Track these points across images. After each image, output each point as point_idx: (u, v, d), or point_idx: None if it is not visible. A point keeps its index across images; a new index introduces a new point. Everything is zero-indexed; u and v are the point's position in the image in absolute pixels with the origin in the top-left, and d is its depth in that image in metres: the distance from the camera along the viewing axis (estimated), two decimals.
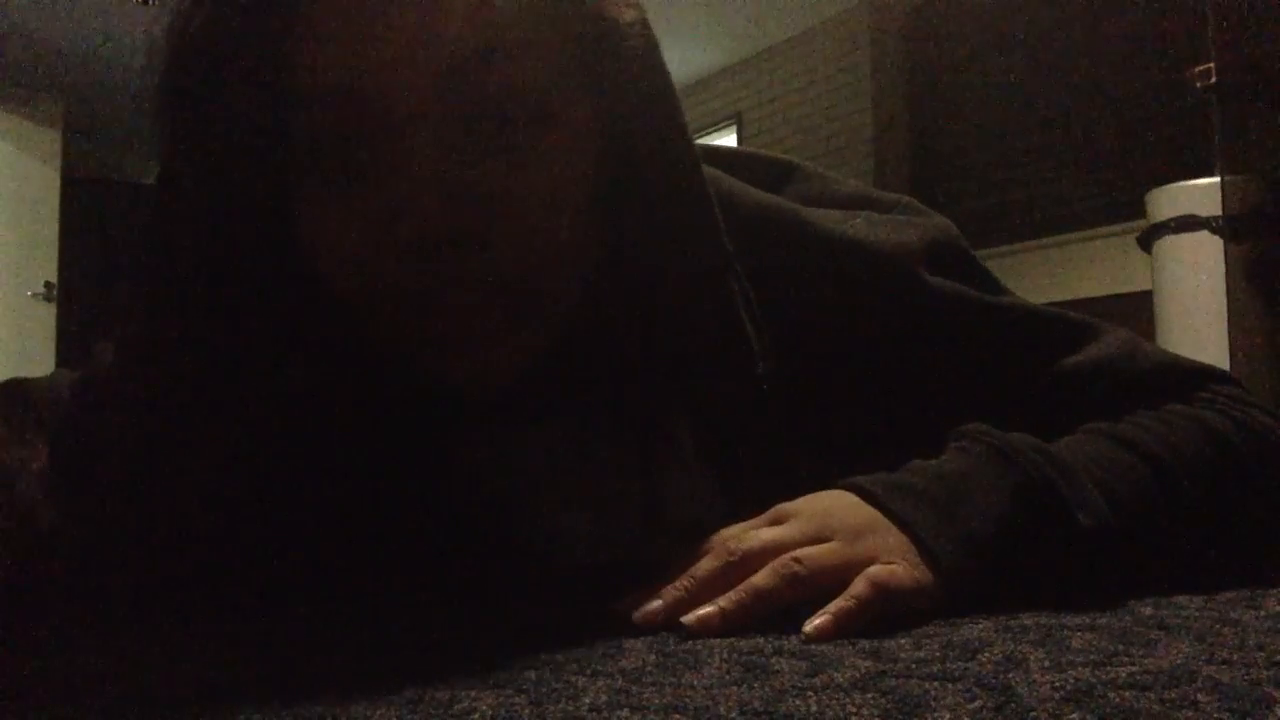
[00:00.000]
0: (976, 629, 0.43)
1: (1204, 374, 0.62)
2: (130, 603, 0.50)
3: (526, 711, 0.32)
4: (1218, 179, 3.42)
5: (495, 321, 0.49)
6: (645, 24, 0.52)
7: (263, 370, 0.50)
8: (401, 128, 0.47)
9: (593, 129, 0.51)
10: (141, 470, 0.50)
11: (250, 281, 0.49)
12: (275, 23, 0.46)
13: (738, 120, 5.92)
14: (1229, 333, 3.37)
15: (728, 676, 0.36)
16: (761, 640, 0.42)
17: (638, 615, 0.45)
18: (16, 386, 0.66)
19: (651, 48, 0.52)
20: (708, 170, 0.58)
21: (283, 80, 0.47)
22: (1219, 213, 3.40)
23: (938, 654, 0.38)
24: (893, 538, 0.46)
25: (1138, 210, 3.79)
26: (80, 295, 6.16)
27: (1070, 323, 0.61)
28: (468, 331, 0.49)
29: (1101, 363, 0.59)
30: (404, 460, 0.55)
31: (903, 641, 0.41)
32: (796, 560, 0.44)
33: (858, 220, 0.58)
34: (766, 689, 0.34)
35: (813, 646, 0.40)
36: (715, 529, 0.49)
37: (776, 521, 0.48)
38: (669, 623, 0.44)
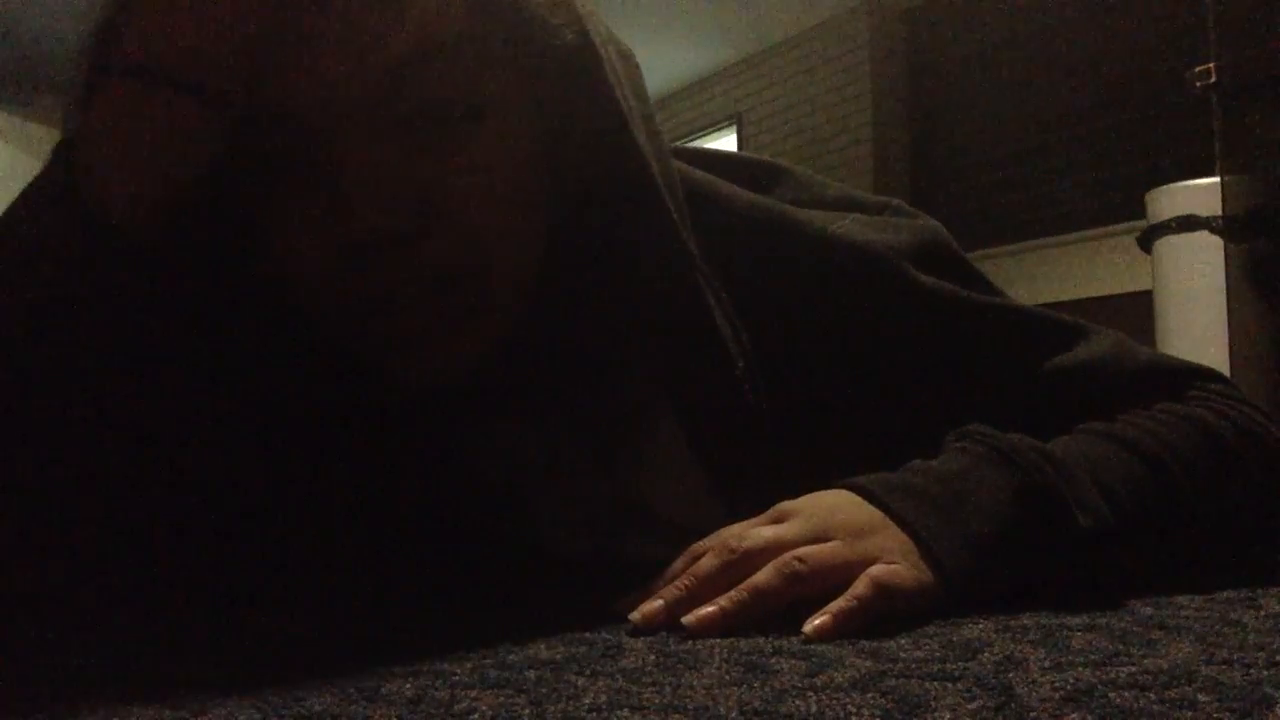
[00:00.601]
0: (976, 629, 0.43)
1: (1194, 373, 0.62)
2: (127, 604, 0.50)
3: (526, 711, 0.32)
4: (1218, 179, 3.42)
5: (445, 316, 0.50)
6: (577, 19, 0.52)
7: (234, 372, 0.50)
8: (332, 131, 0.47)
9: (526, 125, 0.51)
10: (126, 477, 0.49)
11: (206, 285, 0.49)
12: (200, 28, 0.44)
13: (738, 120, 5.92)
14: (1229, 333, 3.37)
15: (728, 676, 0.36)
16: (761, 640, 0.42)
17: (637, 615, 0.45)
18: None
19: (584, 43, 0.52)
20: (697, 173, 0.58)
21: (218, 90, 0.46)
22: (1219, 213, 3.40)
23: (938, 654, 0.38)
24: (894, 537, 0.46)
25: (1138, 210, 3.78)
26: None
27: (1060, 323, 0.61)
28: (418, 328, 0.50)
29: (1092, 362, 0.59)
30: (375, 457, 0.55)
31: (903, 641, 0.41)
32: (798, 559, 0.44)
33: (846, 221, 0.58)
34: (766, 689, 0.34)
35: (813, 646, 0.40)
36: (709, 529, 0.49)
37: (777, 520, 0.48)
38: (669, 622, 0.44)
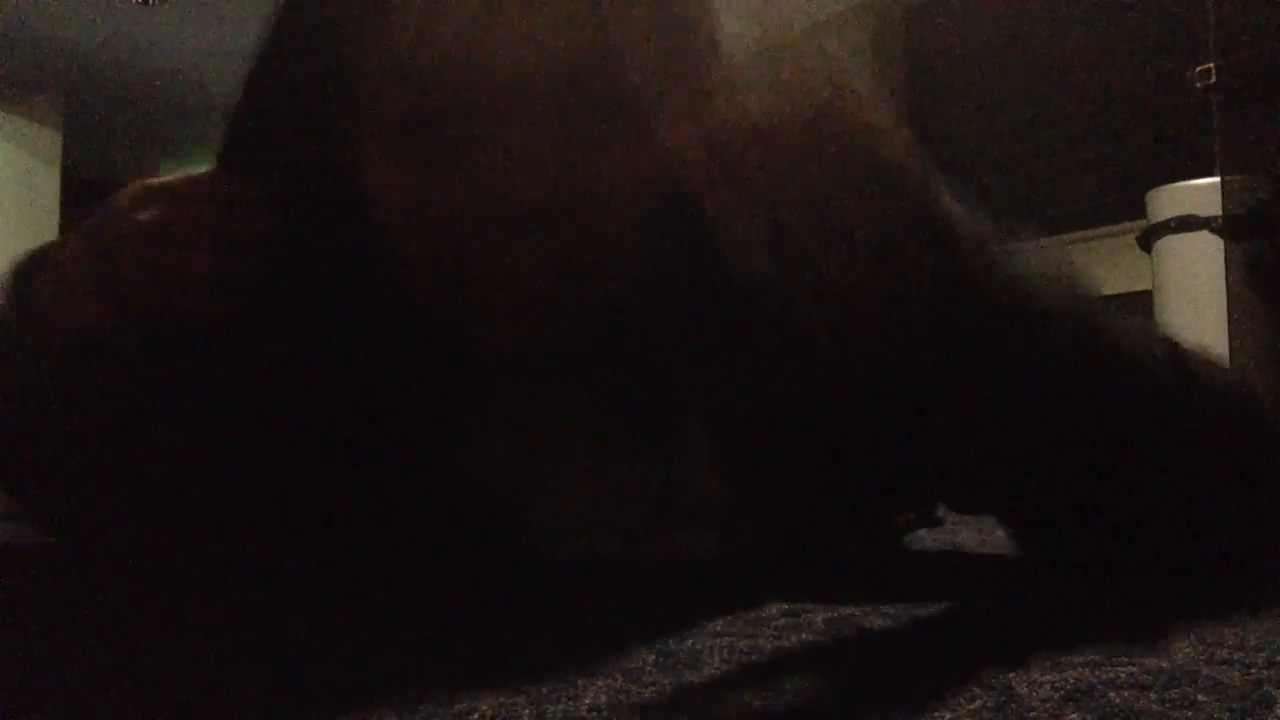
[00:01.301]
0: (976, 629, 0.43)
1: None
2: (136, 595, 0.51)
3: (526, 711, 0.32)
4: (1218, 179, 3.43)
5: (552, 292, 0.50)
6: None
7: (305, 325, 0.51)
8: (500, 111, 0.47)
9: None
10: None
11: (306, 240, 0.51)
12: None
13: None
14: (1229, 333, 3.37)
15: (728, 676, 0.36)
16: (762, 640, 0.42)
17: None
18: None
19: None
20: None
21: (382, 53, 0.48)
22: (1219, 213, 3.41)
23: (938, 654, 0.38)
24: None
25: (1138, 210, 3.79)
26: None
27: None
28: (528, 305, 0.50)
29: None
30: (413, 439, 0.55)
31: (903, 641, 0.41)
32: None
33: None
34: (767, 689, 0.34)
35: (813, 647, 0.40)
36: (718, 527, 0.49)
37: None
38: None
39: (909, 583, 0.53)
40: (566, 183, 0.48)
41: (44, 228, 5.08)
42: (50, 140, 5.17)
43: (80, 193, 6.28)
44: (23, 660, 0.44)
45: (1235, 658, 0.38)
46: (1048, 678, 0.35)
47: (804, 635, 0.42)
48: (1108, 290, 4.40)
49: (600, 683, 0.36)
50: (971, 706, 0.32)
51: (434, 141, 0.49)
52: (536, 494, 0.58)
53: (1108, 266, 4.30)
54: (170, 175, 0.52)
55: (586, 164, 0.49)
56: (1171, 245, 3.58)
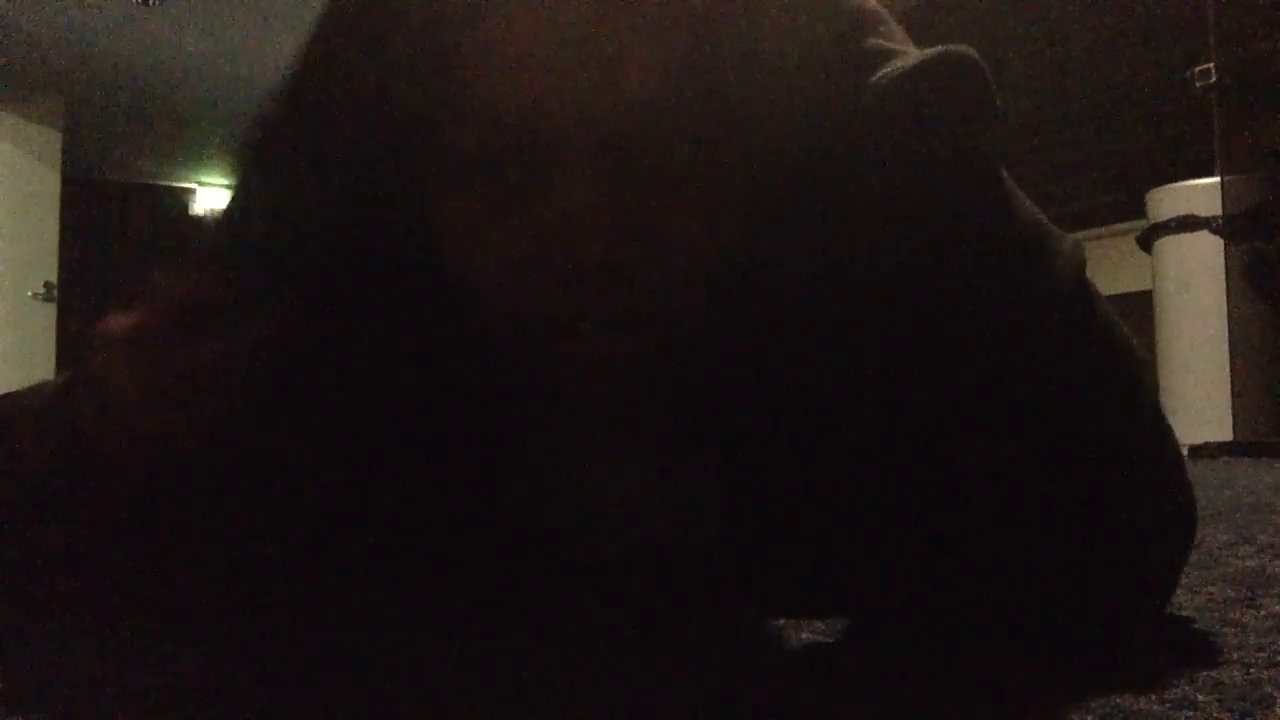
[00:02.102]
0: (976, 629, 0.43)
1: None
2: (139, 599, 0.51)
3: (527, 712, 0.32)
4: (1218, 179, 3.43)
5: (616, 357, 0.49)
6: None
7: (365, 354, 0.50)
8: (578, 158, 0.46)
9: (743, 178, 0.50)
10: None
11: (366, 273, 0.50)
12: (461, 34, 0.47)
13: None
14: (1229, 333, 3.37)
15: (728, 676, 0.36)
16: (763, 640, 0.42)
17: None
18: None
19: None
20: None
21: (458, 90, 0.47)
22: (1219, 213, 3.41)
23: (939, 654, 0.38)
24: None
25: (1138, 210, 3.78)
26: (80, 295, 6.16)
27: None
28: (592, 359, 0.49)
29: None
30: (463, 448, 0.55)
31: (903, 642, 0.41)
32: None
33: None
34: (767, 689, 0.34)
35: (813, 646, 0.40)
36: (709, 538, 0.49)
37: None
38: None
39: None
40: (632, 235, 0.47)
41: (44, 228, 5.08)
42: (50, 140, 5.16)
43: (80, 193, 6.29)
44: (27, 661, 0.44)
45: (1235, 658, 0.38)
46: (1048, 678, 0.35)
47: (804, 635, 0.42)
48: (1108, 290, 4.36)
49: (600, 683, 0.36)
50: (972, 706, 0.32)
51: (504, 182, 0.48)
52: (590, 502, 0.58)
53: (1108, 266, 4.31)
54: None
55: (655, 218, 0.48)
56: (1171, 245, 3.58)
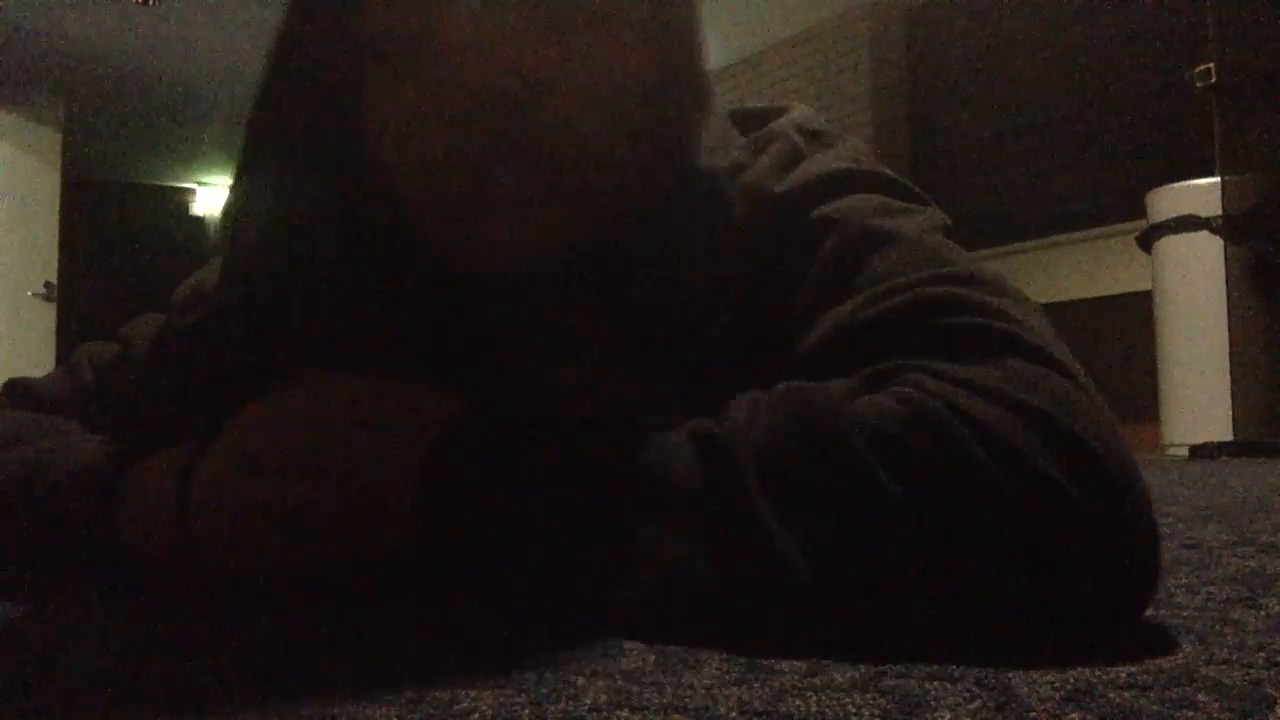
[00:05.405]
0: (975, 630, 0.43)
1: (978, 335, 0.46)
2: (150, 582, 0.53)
3: (526, 711, 0.32)
4: (1218, 179, 3.43)
5: (532, 194, 0.52)
6: None
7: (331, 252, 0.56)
8: (458, 13, 0.50)
9: (639, 50, 0.54)
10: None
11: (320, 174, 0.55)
12: None
13: None
14: (1229, 333, 3.37)
15: (728, 676, 0.36)
16: (762, 640, 0.42)
17: None
18: (18, 382, 0.69)
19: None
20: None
21: None
22: (1219, 213, 3.41)
23: (938, 654, 0.38)
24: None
25: (1138, 210, 3.79)
26: (80, 295, 6.16)
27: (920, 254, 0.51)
28: (505, 200, 0.52)
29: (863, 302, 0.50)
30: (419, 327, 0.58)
31: (903, 641, 0.41)
32: None
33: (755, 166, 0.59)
34: (766, 689, 0.34)
35: (813, 646, 0.40)
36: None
37: None
38: None
39: None
40: (530, 73, 0.51)
41: (44, 228, 5.08)
42: (50, 140, 5.16)
43: (80, 193, 6.29)
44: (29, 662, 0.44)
45: (1235, 658, 0.38)
46: (1048, 678, 0.35)
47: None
48: (1108, 290, 4.37)
49: (600, 683, 0.36)
50: (971, 706, 0.32)
51: (411, 50, 0.52)
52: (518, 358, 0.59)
53: (1108, 266, 4.31)
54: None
55: (550, 60, 0.51)
56: (1171, 245, 3.58)
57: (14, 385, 0.70)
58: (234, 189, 0.58)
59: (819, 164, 0.57)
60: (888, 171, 0.58)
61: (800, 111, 0.63)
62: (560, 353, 0.56)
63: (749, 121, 0.63)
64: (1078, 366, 0.45)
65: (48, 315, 5.05)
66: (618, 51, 0.53)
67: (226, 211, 0.58)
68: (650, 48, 0.54)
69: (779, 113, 0.63)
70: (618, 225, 0.55)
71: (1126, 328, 4.05)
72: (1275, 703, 0.32)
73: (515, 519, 0.46)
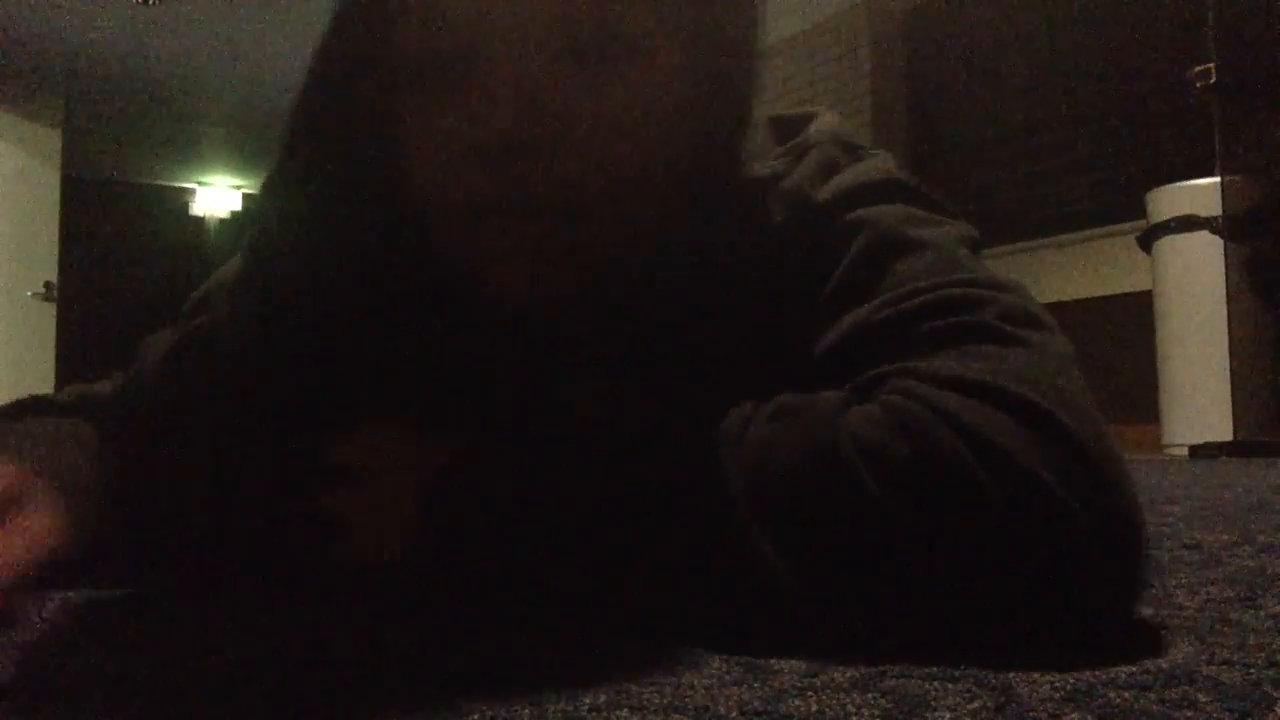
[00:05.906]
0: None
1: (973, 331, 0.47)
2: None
3: (526, 712, 0.32)
4: (1218, 179, 3.43)
5: (552, 238, 0.52)
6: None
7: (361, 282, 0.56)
8: (493, 45, 0.50)
9: (680, 80, 0.54)
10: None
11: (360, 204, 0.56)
12: None
13: None
14: (1229, 333, 3.37)
15: (728, 676, 0.36)
16: (762, 640, 0.42)
17: None
18: (39, 398, 0.70)
19: (751, 20, 0.55)
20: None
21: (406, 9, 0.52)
22: (1219, 213, 3.41)
23: (938, 654, 0.38)
24: None
25: (1138, 210, 3.79)
26: (80, 295, 6.16)
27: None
28: (525, 243, 0.52)
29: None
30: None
31: (902, 642, 0.41)
32: None
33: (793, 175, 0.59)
34: (766, 689, 0.34)
35: (812, 646, 0.40)
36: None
37: None
38: None
39: None
40: (562, 114, 0.51)
41: (44, 228, 5.08)
42: (50, 140, 5.16)
43: (80, 193, 6.28)
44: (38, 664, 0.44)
45: (1235, 658, 0.38)
46: (1048, 678, 0.35)
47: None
48: (1108, 290, 4.37)
49: (600, 683, 0.36)
50: (971, 706, 0.32)
51: (445, 80, 0.52)
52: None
53: (1108, 266, 4.31)
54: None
55: (583, 99, 0.51)
56: (1171, 245, 3.58)
57: (32, 399, 0.71)
58: (264, 197, 0.58)
59: (856, 174, 0.58)
60: (921, 184, 0.59)
61: (830, 119, 0.64)
62: (588, 369, 0.56)
63: (784, 128, 0.63)
64: (1079, 374, 0.46)
65: (48, 315, 5.05)
66: (658, 80, 0.53)
67: (254, 218, 0.59)
68: (697, 74, 0.54)
69: (810, 119, 0.64)
70: (654, 247, 0.55)
71: (1126, 328, 4.05)
72: (1275, 703, 0.32)
73: (532, 536, 0.47)
